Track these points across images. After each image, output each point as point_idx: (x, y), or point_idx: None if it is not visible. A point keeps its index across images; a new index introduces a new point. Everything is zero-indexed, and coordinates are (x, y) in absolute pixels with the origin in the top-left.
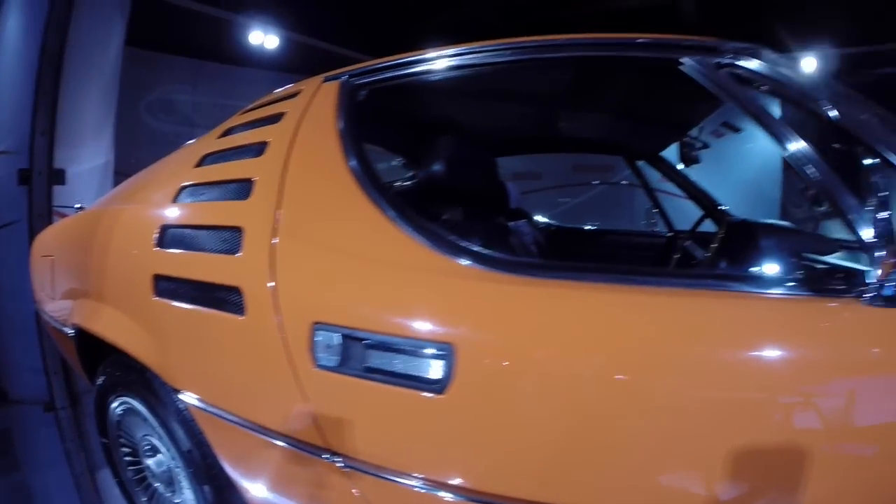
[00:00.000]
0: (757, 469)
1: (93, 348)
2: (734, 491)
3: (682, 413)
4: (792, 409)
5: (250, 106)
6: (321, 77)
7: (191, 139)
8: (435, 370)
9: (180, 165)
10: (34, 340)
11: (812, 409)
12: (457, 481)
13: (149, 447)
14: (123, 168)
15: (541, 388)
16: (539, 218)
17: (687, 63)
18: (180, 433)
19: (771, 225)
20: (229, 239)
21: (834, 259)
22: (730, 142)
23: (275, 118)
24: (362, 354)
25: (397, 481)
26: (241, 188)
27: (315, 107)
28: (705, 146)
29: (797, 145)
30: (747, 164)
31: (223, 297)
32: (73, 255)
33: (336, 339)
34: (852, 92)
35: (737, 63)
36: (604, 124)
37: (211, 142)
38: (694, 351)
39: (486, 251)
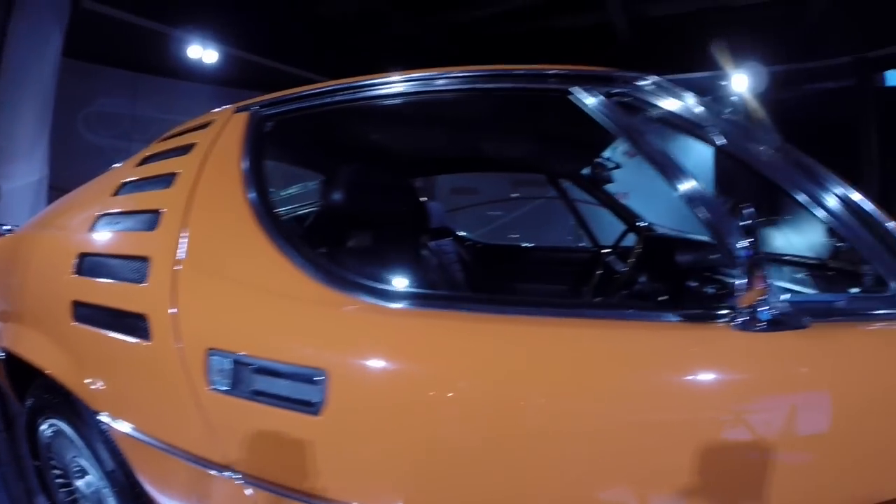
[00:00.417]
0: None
1: (22, 371)
2: None
3: (536, 440)
4: (652, 436)
5: (168, 134)
6: (234, 107)
7: (128, 154)
8: (311, 394)
9: (99, 193)
10: None
11: (674, 434)
12: (337, 498)
13: (78, 469)
14: (59, 183)
15: (401, 412)
16: (465, 235)
17: (576, 93)
18: (104, 454)
19: (687, 240)
20: (139, 268)
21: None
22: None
23: (186, 149)
24: (250, 378)
25: (288, 497)
26: (151, 219)
27: (224, 138)
28: (617, 166)
29: (679, 174)
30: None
31: (133, 324)
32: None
33: (227, 363)
34: (745, 120)
35: (627, 92)
36: (521, 145)
37: (129, 169)
38: (551, 379)
39: (360, 281)
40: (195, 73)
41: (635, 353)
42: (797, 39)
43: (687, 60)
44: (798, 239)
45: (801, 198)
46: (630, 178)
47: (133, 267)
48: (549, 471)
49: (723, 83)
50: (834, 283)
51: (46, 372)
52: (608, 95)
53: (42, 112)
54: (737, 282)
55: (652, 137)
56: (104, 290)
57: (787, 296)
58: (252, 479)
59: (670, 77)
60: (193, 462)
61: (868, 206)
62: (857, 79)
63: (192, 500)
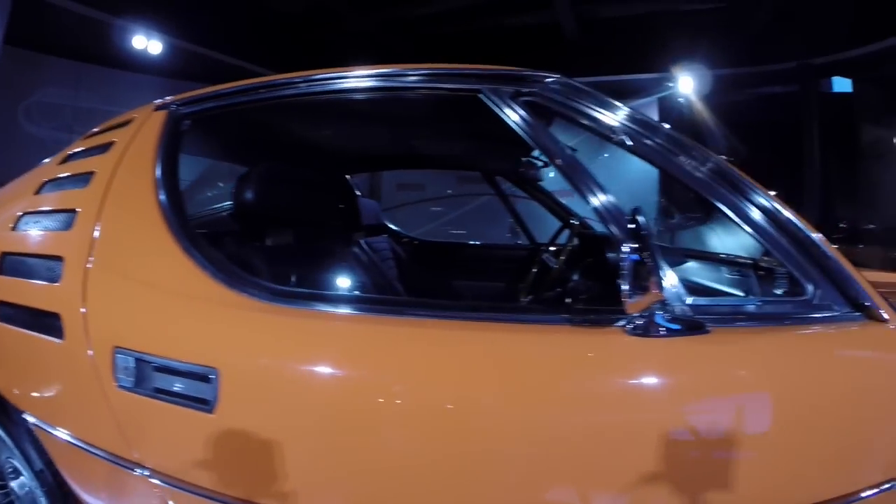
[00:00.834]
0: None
1: None
2: None
3: (414, 442)
4: (537, 441)
5: (91, 132)
6: (153, 105)
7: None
8: (206, 392)
9: (23, 191)
10: None
11: (559, 439)
12: (237, 495)
13: (12, 470)
14: None
15: (288, 411)
16: (400, 232)
17: (485, 92)
18: (32, 453)
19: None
20: (54, 268)
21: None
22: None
23: (105, 147)
24: (152, 376)
25: (192, 494)
26: (68, 218)
27: (140, 136)
28: (546, 164)
29: (582, 176)
30: (629, 173)
31: (49, 323)
32: None
33: (131, 362)
34: (656, 122)
35: (535, 92)
36: (449, 143)
37: (52, 168)
38: (430, 380)
39: (257, 282)
40: (140, 64)
41: (525, 358)
42: (744, 44)
43: (635, 62)
44: (733, 239)
45: (717, 201)
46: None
47: (49, 266)
48: (426, 469)
49: (670, 84)
50: (764, 284)
51: None
52: (516, 95)
53: None
54: (622, 287)
55: (555, 139)
56: (23, 290)
57: (690, 300)
58: (159, 476)
59: (619, 77)
60: (109, 459)
61: (785, 211)
62: (801, 84)
63: (112, 498)
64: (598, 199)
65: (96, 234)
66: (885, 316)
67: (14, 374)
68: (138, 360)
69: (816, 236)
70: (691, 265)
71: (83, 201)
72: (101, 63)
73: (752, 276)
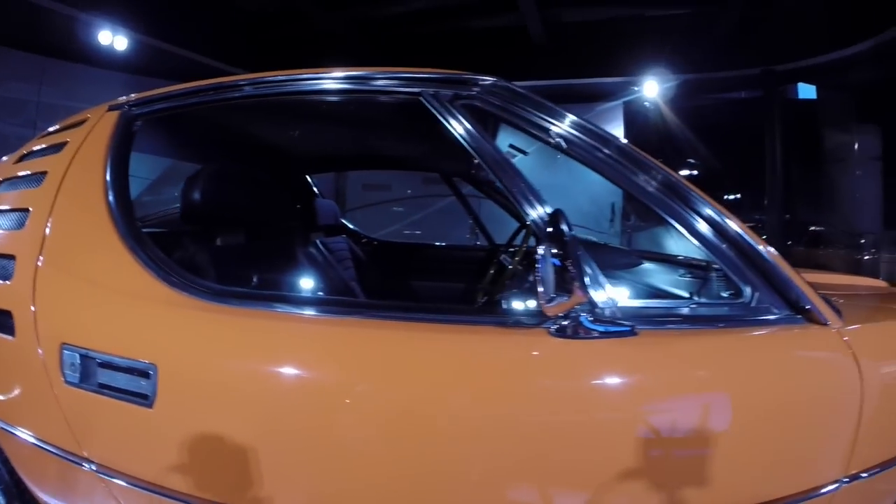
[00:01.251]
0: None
1: None
2: None
3: (357, 441)
4: (465, 439)
5: (45, 131)
6: (107, 105)
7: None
8: (146, 387)
9: None
10: None
11: (484, 439)
12: (176, 487)
13: None
14: None
15: (223, 406)
16: (359, 232)
17: (425, 96)
18: None
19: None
20: (6, 266)
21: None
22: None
23: (58, 147)
24: (96, 372)
25: (137, 487)
26: (21, 217)
27: (93, 136)
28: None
29: (514, 180)
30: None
31: (1, 321)
32: None
33: (77, 358)
34: (596, 126)
35: (474, 95)
36: (406, 144)
37: (8, 167)
38: (362, 377)
39: (197, 281)
40: (106, 60)
41: (454, 357)
42: (709, 50)
43: (602, 66)
44: (688, 242)
45: (650, 203)
46: (543, 179)
47: (2, 265)
48: (365, 468)
49: (636, 89)
50: (713, 287)
51: None
52: (455, 99)
53: None
54: (539, 290)
55: (491, 142)
56: None
57: (621, 303)
58: (106, 471)
59: (584, 81)
60: (60, 456)
61: (725, 216)
62: (765, 89)
63: (65, 494)
64: (526, 205)
65: (47, 233)
66: (826, 319)
67: None
68: (83, 356)
69: (755, 240)
70: (644, 267)
71: (35, 201)
72: (67, 58)
73: (700, 278)
